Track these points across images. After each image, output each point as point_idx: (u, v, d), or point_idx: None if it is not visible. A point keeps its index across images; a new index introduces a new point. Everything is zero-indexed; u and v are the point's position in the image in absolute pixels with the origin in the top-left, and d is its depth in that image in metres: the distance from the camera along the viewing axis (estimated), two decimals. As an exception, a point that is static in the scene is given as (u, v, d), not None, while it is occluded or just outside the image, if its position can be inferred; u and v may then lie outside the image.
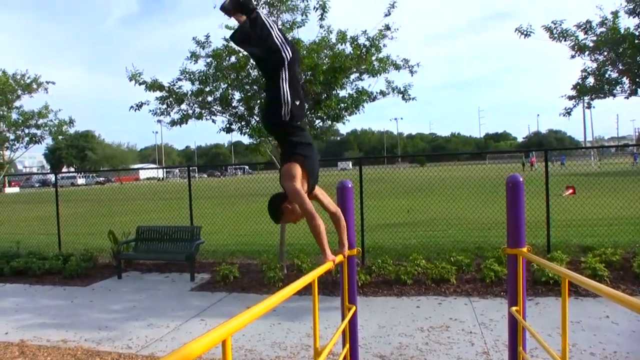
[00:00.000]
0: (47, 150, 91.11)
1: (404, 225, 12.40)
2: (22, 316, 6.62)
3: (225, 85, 8.13)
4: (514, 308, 3.43)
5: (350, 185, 3.76)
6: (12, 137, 11.52)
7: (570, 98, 9.58)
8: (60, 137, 12.40)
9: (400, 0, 7.75)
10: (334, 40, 7.92)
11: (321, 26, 7.89)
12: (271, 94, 3.19)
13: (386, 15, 7.78)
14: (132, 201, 14.12)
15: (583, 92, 9.40)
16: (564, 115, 9.68)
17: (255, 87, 8.15)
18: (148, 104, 8.55)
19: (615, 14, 8.48)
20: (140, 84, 8.19)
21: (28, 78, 11.43)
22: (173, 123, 8.50)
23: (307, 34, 34.46)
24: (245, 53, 7.94)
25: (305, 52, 7.62)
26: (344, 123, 8.32)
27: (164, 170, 59.89)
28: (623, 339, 4.87)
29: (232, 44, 3.08)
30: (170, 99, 8.36)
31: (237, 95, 8.32)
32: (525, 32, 8.67)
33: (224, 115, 8.48)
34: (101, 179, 63.22)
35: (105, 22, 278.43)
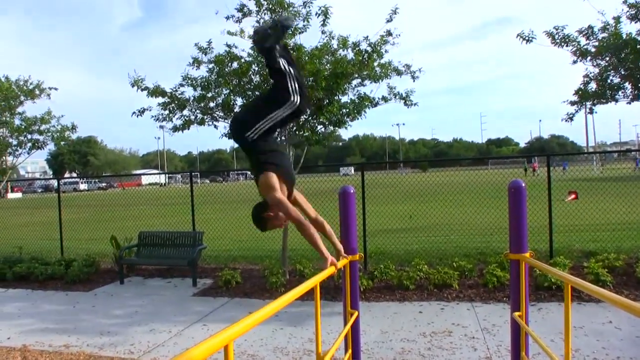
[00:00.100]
0: (50, 156, 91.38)
1: (406, 230, 12.39)
2: (25, 321, 6.63)
3: (227, 91, 8.14)
4: (516, 313, 3.43)
5: (352, 191, 3.77)
6: (14, 142, 11.56)
7: (573, 103, 9.57)
8: (62, 143, 12.44)
9: (402, 6, 7.79)
10: (335, 46, 7.94)
11: (323, 32, 7.92)
12: (257, 110, 3.13)
13: (388, 21, 7.80)
14: (135, 206, 14.13)
15: (585, 97, 9.39)
16: (566, 120, 9.66)
17: (257, 93, 8.18)
18: (150, 110, 8.57)
19: (617, 19, 8.48)
20: (142, 89, 8.22)
21: (31, 84, 11.49)
22: (175, 129, 8.51)
23: (309, 39, 34.55)
24: (249, 59, 8.02)
25: (307, 57, 7.64)
26: (346, 128, 8.33)
27: (166, 175, 59.86)
28: (626, 344, 4.85)
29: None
30: (173, 105, 8.38)
31: (239, 101, 8.33)
32: (527, 38, 8.68)
33: (226, 120, 8.49)
34: (103, 184, 63.29)
35: (108, 28, 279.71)
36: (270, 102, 3.08)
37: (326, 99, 7.79)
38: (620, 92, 9.07)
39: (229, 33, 7.97)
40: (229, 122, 3.50)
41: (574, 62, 9.09)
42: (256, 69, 8.11)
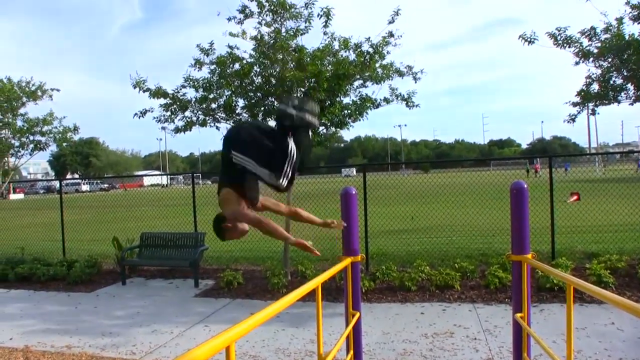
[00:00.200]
0: (52, 157, 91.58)
1: (408, 231, 12.38)
2: (27, 322, 6.64)
3: (229, 92, 8.15)
4: (518, 314, 3.42)
5: (354, 192, 3.77)
6: (17, 144, 11.60)
7: (575, 104, 9.56)
8: (64, 144, 12.48)
9: (403, 7, 7.80)
10: (337, 47, 7.95)
11: (325, 33, 7.93)
12: (253, 148, 3.07)
13: (390, 22, 7.81)
14: (136, 208, 14.14)
15: (587, 98, 9.38)
16: (568, 121, 9.66)
17: (259, 94, 8.19)
18: (152, 111, 8.60)
19: (619, 20, 8.47)
20: (144, 91, 8.24)
21: (33, 85, 11.53)
22: (177, 130, 8.53)
23: (311, 41, 34.55)
24: (251, 60, 8.03)
25: (309, 59, 7.65)
26: (348, 129, 8.34)
27: (168, 177, 59.93)
28: (629, 345, 4.84)
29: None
30: (174, 106, 8.40)
31: (240, 102, 8.35)
32: (529, 39, 8.67)
33: (227, 122, 8.50)
34: (105, 185, 63.38)
35: (110, 29, 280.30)
36: (262, 160, 3.06)
37: (328, 100, 7.80)
38: (622, 93, 9.06)
39: (231, 34, 7.99)
40: (233, 129, 3.45)
41: (577, 63, 9.09)
42: (258, 70, 8.13)
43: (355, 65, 7.69)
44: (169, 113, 8.47)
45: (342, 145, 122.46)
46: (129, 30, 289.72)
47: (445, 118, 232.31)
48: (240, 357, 5.02)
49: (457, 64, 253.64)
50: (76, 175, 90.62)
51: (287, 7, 7.72)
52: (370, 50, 7.74)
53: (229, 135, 3.27)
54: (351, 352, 3.51)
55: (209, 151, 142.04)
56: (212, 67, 8.20)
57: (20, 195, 53.17)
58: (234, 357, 1.53)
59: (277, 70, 7.93)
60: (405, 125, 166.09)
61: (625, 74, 8.86)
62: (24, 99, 11.42)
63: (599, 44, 8.71)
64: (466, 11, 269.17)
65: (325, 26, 7.83)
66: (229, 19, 8.09)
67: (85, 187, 60.83)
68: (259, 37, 7.93)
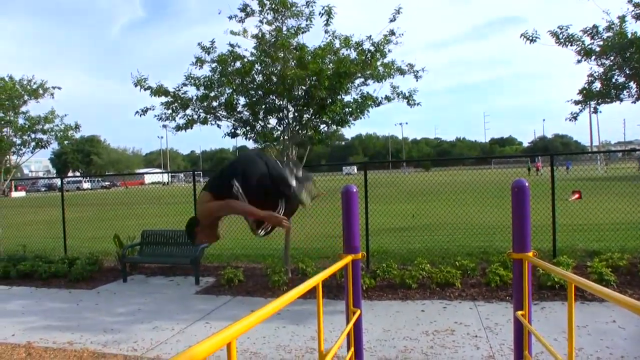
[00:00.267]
0: (53, 155, 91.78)
1: (408, 229, 12.38)
2: (29, 319, 6.66)
3: (230, 90, 8.15)
4: (519, 312, 3.42)
5: (355, 190, 3.77)
6: (18, 141, 11.59)
7: (577, 103, 9.55)
8: (66, 142, 12.46)
9: (404, 6, 7.78)
10: (338, 46, 7.94)
11: (326, 31, 7.92)
12: (255, 181, 3.22)
13: (391, 20, 7.80)
14: (137, 205, 14.17)
15: (589, 96, 9.37)
16: (570, 120, 9.65)
17: (260, 92, 8.19)
18: (153, 109, 8.59)
19: (622, 19, 8.45)
20: (145, 89, 8.23)
21: (34, 83, 11.51)
22: (178, 128, 8.52)
23: (312, 39, 34.48)
24: (252, 58, 8.02)
25: (310, 57, 7.65)
26: (349, 127, 8.33)
27: (169, 174, 59.95)
28: (630, 343, 4.84)
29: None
30: (176, 104, 8.40)
31: (242, 100, 8.35)
32: (530, 38, 8.65)
33: (228, 120, 8.50)
34: (106, 183, 63.47)
35: (111, 28, 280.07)
36: (253, 203, 3.17)
37: (329, 98, 7.80)
38: (625, 92, 9.05)
39: (232, 33, 7.99)
40: (249, 159, 3.49)
41: (579, 61, 9.07)
42: (259, 68, 8.12)
43: (356, 63, 7.68)
44: (170, 111, 8.47)
45: (343, 143, 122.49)
46: (130, 30, 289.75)
47: (447, 116, 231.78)
48: (241, 353, 5.03)
49: (458, 62, 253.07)
50: (77, 173, 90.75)
51: (289, 5, 7.72)
52: (372, 48, 7.73)
53: (242, 165, 3.31)
54: (352, 349, 3.51)
55: (210, 149, 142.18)
56: (214, 65, 8.21)
57: (22, 193, 53.23)
58: (234, 354, 1.53)
59: (278, 68, 7.93)
60: (407, 123, 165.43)
61: (627, 72, 8.84)
62: (26, 97, 11.41)
63: (601, 42, 8.69)
64: (467, 10, 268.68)
65: (327, 24, 7.83)
66: (230, 18, 8.09)
67: (86, 185, 60.94)
68: (260, 35, 7.93)
